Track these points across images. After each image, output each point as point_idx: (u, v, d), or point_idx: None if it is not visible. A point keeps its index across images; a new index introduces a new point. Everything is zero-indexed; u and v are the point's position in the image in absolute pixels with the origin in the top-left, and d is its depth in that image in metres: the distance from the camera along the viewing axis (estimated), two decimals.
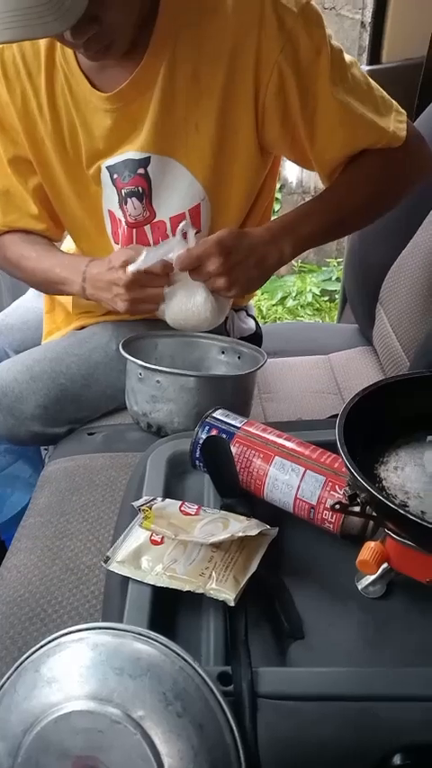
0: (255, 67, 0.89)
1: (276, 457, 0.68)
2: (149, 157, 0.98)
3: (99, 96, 0.95)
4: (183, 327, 0.99)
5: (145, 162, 0.99)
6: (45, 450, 1.22)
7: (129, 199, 1.01)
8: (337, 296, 3.04)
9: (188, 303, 0.94)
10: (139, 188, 1.01)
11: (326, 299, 3.05)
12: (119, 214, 1.04)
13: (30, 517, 0.82)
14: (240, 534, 0.58)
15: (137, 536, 0.64)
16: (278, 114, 0.93)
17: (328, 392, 1.19)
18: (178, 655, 0.51)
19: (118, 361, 1.07)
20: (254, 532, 0.59)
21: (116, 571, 0.61)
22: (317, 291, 2.99)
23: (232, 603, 0.57)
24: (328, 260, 3.25)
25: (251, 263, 0.91)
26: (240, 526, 0.62)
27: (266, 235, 0.95)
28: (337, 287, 3.09)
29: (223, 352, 1.09)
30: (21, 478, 1.30)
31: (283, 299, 2.99)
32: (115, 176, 1.00)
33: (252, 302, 1.33)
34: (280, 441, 0.69)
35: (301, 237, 0.96)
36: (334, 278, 3.15)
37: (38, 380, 1.02)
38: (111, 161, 0.99)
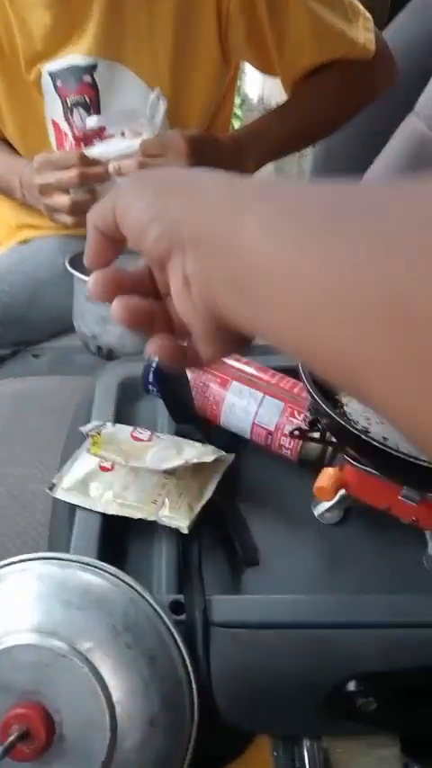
0: None
1: (234, 382, 0.64)
2: (96, 63, 0.89)
3: None
4: None
5: (91, 68, 0.90)
6: None
7: (75, 109, 0.93)
8: None
9: None
10: (86, 97, 0.92)
11: None
12: (64, 126, 0.95)
13: None
14: (195, 461, 0.55)
15: (85, 462, 0.61)
16: (244, 20, 0.86)
17: None
18: (129, 585, 0.48)
19: (66, 280, 1.01)
20: (209, 459, 0.56)
21: (63, 498, 0.58)
22: None
23: (185, 531, 0.55)
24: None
25: (221, 164, 0.84)
26: (195, 452, 0.59)
27: (233, 146, 0.89)
28: None
29: None
30: None
31: None
32: (59, 84, 0.91)
33: None
34: (238, 365, 0.66)
35: (265, 152, 0.92)
36: None
37: None
38: (53, 66, 0.90)
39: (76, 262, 0.92)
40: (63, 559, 0.49)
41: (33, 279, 0.99)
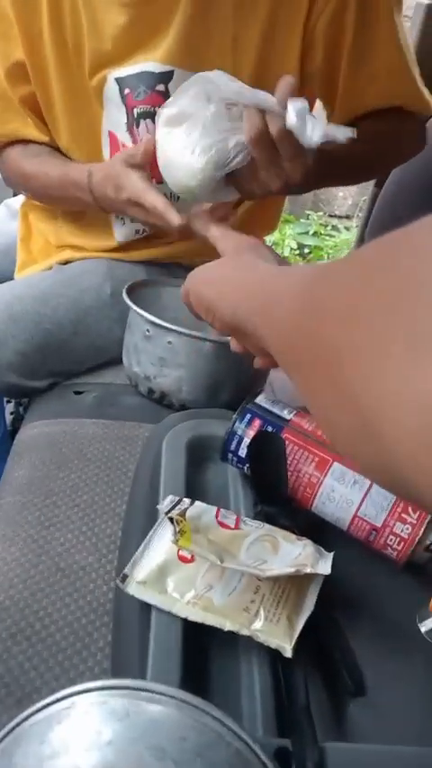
0: None
1: (335, 463, 0.55)
2: (172, 72, 0.81)
3: None
4: (190, 172, 0.71)
5: (166, 77, 0.81)
6: (12, 403, 1.05)
7: (142, 121, 0.84)
8: (307, 251, 2.91)
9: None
10: (156, 108, 0.84)
11: (297, 252, 2.92)
12: (124, 138, 0.87)
13: (7, 495, 0.67)
14: (309, 570, 0.46)
15: (160, 548, 0.51)
16: (325, 44, 0.80)
17: None
18: (234, 732, 0.39)
19: (111, 308, 0.92)
20: (325, 570, 0.47)
21: (136, 595, 0.48)
22: (294, 245, 2.85)
23: (288, 654, 0.45)
24: (307, 212, 3.10)
25: None
26: (297, 552, 0.49)
27: None
28: (314, 242, 2.95)
29: None
30: None
31: None
32: (126, 91, 0.82)
33: None
34: None
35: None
36: (311, 232, 3.01)
37: (18, 322, 0.85)
38: (122, 72, 0.81)
39: (133, 292, 0.83)
40: (150, 691, 0.39)
41: (78, 304, 0.90)
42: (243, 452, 0.58)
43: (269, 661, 0.46)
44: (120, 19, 0.79)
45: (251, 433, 0.58)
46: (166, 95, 0.83)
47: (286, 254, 2.78)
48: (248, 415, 0.59)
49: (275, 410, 0.59)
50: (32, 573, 0.58)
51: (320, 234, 3.01)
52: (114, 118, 0.86)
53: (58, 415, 0.80)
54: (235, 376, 0.80)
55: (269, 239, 2.82)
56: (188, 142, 0.69)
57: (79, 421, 0.79)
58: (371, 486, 0.54)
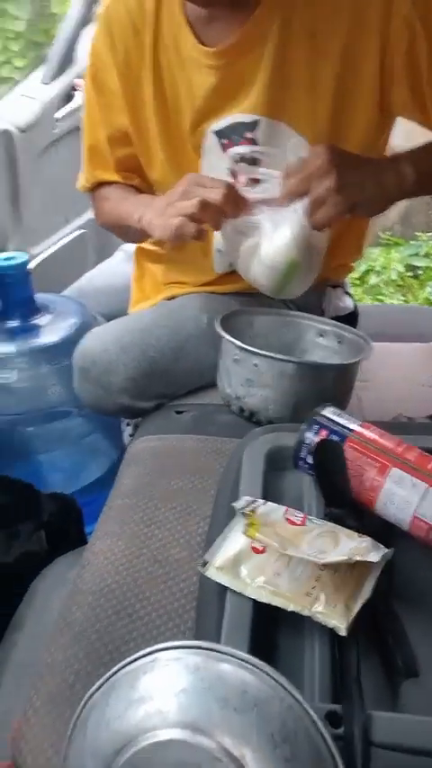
0: (381, 25, 0.81)
1: (394, 468, 0.61)
2: (258, 120, 0.91)
3: (204, 51, 0.87)
4: (268, 277, 0.87)
5: (252, 125, 0.91)
6: (126, 423, 1.18)
7: (239, 164, 0.94)
8: (423, 273, 2.89)
9: (278, 240, 0.82)
10: (250, 151, 0.94)
11: (410, 274, 2.90)
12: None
13: (117, 498, 0.79)
14: (358, 558, 0.52)
15: (236, 541, 0.59)
16: (407, 75, 0.85)
17: (428, 385, 1.10)
18: (287, 690, 0.46)
19: (209, 336, 1.02)
20: (375, 558, 0.53)
21: (214, 578, 0.57)
22: (402, 268, 2.84)
23: (343, 633, 0.52)
24: (417, 233, 3.09)
25: (368, 181, 0.80)
26: (354, 545, 0.56)
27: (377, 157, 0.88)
28: (426, 263, 2.94)
29: (322, 335, 1.02)
30: (98, 448, 1.28)
31: (367, 272, 2.86)
32: (224, 141, 0.93)
33: (348, 279, 1.24)
34: (399, 449, 0.63)
35: (419, 160, 0.85)
36: (422, 253, 2.99)
37: (128, 352, 0.97)
38: (218, 125, 0.92)
39: (225, 322, 0.93)
40: (219, 652, 0.48)
41: (179, 334, 1.01)
42: (311, 460, 0.65)
43: (327, 638, 0.52)
44: (210, 80, 0.90)
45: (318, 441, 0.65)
46: (254, 141, 0.93)
47: (393, 277, 2.78)
48: (316, 426, 0.66)
49: (341, 421, 0.66)
50: (135, 563, 0.68)
51: None
52: (214, 164, 0.97)
53: (162, 431, 0.91)
54: (317, 394, 0.86)
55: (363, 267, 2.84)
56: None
57: (179, 437, 0.89)
58: (428, 489, 0.59)
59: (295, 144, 0.92)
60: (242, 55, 0.86)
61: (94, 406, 1.02)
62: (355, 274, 2.84)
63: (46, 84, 1.57)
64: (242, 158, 0.93)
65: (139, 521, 0.74)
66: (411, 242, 3.07)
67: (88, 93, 1.01)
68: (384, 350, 1.17)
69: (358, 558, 0.52)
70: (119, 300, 1.26)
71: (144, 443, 0.89)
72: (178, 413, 0.96)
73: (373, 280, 2.82)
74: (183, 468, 0.83)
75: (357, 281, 2.84)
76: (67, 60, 1.59)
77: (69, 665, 0.58)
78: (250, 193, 0.87)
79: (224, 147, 0.94)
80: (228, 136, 0.94)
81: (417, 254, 2.98)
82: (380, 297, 2.76)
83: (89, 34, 1.49)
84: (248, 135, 0.93)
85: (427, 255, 2.98)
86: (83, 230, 1.80)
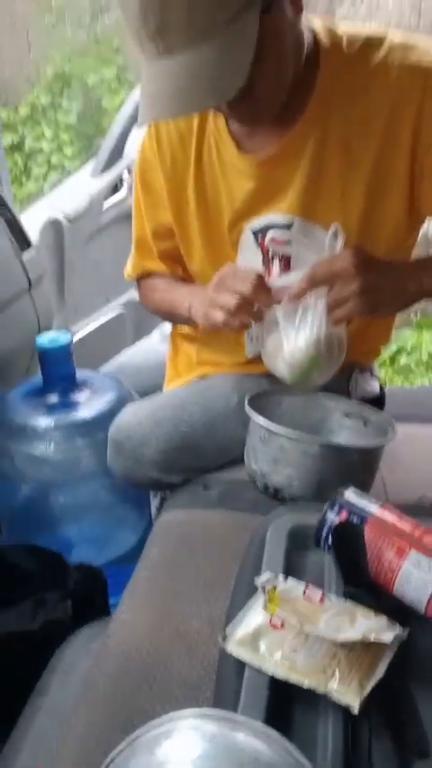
0: (413, 140, 0.88)
1: (412, 551, 0.63)
2: (293, 222, 0.98)
3: (246, 161, 0.96)
4: (290, 370, 0.93)
5: (287, 226, 0.98)
6: (153, 495, 1.22)
7: (275, 258, 1.01)
8: None
9: (298, 338, 0.90)
10: (283, 249, 1.01)
11: None
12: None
13: (143, 570, 0.82)
14: (373, 637, 0.54)
15: (256, 616, 0.62)
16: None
17: None
18: (299, 761, 0.47)
19: (237, 414, 1.06)
20: (388, 638, 0.55)
21: (233, 652, 0.59)
22: None
23: (356, 712, 0.53)
24: None
25: (389, 287, 0.86)
26: (370, 625, 0.58)
27: (402, 262, 0.93)
28: None
29: (348, 416, 1.05)
30: (128, 521, 1.31)
31: (398, 352, 2.90)
32: (260, 238, 1.00)
33: (376, 362, 1.29)
34: (417, 532, 0.65)
35: (422, 284, 0.91)
36: None
37: (161, 426, 1.02)
38: (255, 224, 1.00)
39: (254, 401, 0.98)
40: (235, 721, 0.49)
41: (210, 411, 1.05)
42: (332, 540, 0.67)
43: (341, 714, 0.54)
44: (250, 184, 0.98)
45: (340, 521, 0.68)
46: (286, 241, 1.01)
47: (424, 357, 2.82)
48: (337, 506, 0.69)
49: (361, 503, 0.69)
50: (158, 635, 0.70)
51: None
52: (249, 259, 1.04)
53: (189, 505, 0.95)
54: (340, 474, 0.89)
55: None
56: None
57: (205, 512, 0.92)
58: None
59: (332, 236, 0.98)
60: (280, 165, 0.95)
61: (126, 478, 1.06)
62: (386, 354, 2.89)
63: (95, 177, 1.70)
64: (275, 241, 1.00)
65: (164, 593, 0.76)
66: None
67: (136, 190, 1.11)
68: (410, 432, 1.20)
69: (373, 638, 0.54)
70: (154, 377, 1.33)
71: (171, 517, 0.93)
72: (206, 488, 1.00)
73: (403, 360, 2.85)
74: (208, 543, 0.85)
75: (388, 361, 2.88)
76: (116, 155, 1.73)
77: (92, 731, 0.60)
78: (280, 281, 0.94)
79: (259, 244, 1.01)
80: (263, 233, 1.01)
81: None
82: (411, 377, 2.79)
83: (137, 132, 1.63)
84: (282, 234, 1.00)
85: None
86: (122, 310, 1.90)
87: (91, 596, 1.08)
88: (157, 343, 1.43)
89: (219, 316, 0.91)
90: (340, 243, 0.90)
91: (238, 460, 1.03)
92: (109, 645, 0.70)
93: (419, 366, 2.83)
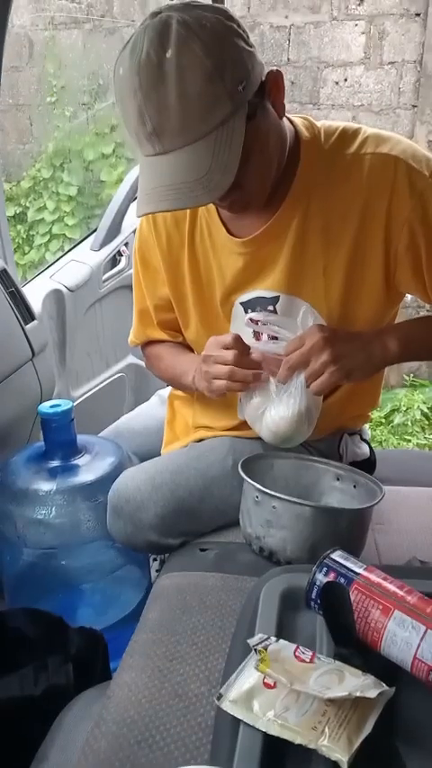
0: (386, 225, 0.96)
1: (396, 611, 0.67)
2: (278, 296, 1.05)
3: (235, 242, 1.03)
4: (273, 436, 1.02)
5: (274, 300, 1.06)
6: (153, 558, 1.25)
7: (263, 328, 1.08)
8: None
9: (281, 410, 0.98)
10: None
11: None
12: (249, 343, 1.11)
13: (142, 632, 0.84)
14: (358, 694, 0.58)
15: (249, 676, 0.65)
16: (410, 265, 0.99)
17: None
18: None
19: (232, 477, 1.10)
20: (372, 695, 0.58)
21: (228, 711, 0.62)
22: (425, 409, 2.94)
23: (345, 767, 0.56)
24: None
25: (356, 351, 0.96)
26: (357, 683, 0.61)
27: (369, 329, 1.01)
28: None
29: (338, 479, 1.10)
30: (129, 583, 1.33)
31: (392, 412, 2.96)
32: (249, 311, 1.07)
33: (366, 426, 1.34)
34: (401, 593, 0.69)
35: (408, 338, 1.01)
36: None
37: (159, 491, 1.06)
38: (244, 297, 1.07)
39: (247, 465, 1.02)
40: None
41: (205, 475, 1.10)
42: (321, 600, 0.71)
43: None
44: (239, 263, 1.06)
45: None
46: (275, 312, 1.07)
47: (417, 416, 2.87)
48: (325, 568, 0.73)
49: (348, 564, 0.73)
50: (156, 696, 0.73)
51: None
52: (240, 329, 1.11)
53: (186, 568, 0.98)
54: (332, 536, 0.93)
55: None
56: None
57: (202, 574, 0.96)
58: (426, 632, 0.65)
59: (306, 312, 1.06)
60: (266, 244, 1.02)
61: (125, 542, 1.09)
62: (381, 413, 2.95)
63: (95, 250, 1.79)
64: (256, 322, 1.08)
65: (162, 655, 0.79)
66: None
67: (136, 267, 1.20)
68: (400, 494, 1.24)
69: (359, 695, 0.58)
70: (153, 441, 1.37)
71: (169, 580, 0.96)
72: (202, 550, 1.03)
73: (397, 419, 2.91)
74: (205, 605, 0.88)
75: (383, 420, 2.93)
76: (114, 231, 1.83)
77: None
78: (262, 347, 1.02)
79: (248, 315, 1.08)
80: (252, 307, 1.08)
81: None
82: (406, 436, 2.84)
83: (134, 210, 1.73)
84: (270, 308, 1.07)
85: None
86: (121, 374, 1.97)
87: (92, 660, 1.10)
88: (155, 407, 1.48)
89: (221, 384, 1.00)
90: (311, 320, 0.99)
91: (235, 522, 1.06)
92: (108, 707, 0.72)
93: (414, 425, 2.89)
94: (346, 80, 3.03)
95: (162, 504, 1.05)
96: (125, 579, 1.39)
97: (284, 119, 0.96)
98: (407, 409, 2.93)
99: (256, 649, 0.64)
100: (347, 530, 0.96)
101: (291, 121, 0.99)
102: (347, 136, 0.97)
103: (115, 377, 1.95)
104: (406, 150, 0.95)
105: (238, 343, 0.99)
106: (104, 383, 1.90)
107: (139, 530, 1.06)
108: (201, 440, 1.22)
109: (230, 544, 1.05)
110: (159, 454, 1.29)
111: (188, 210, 1.06)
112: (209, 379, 1.02)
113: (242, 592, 0.91)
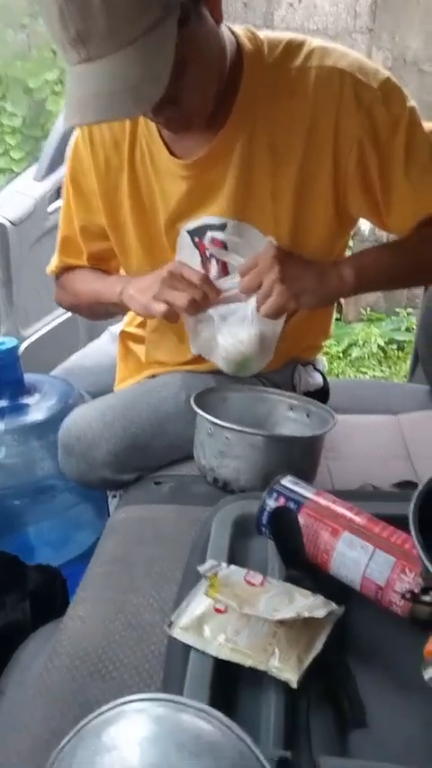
0: (334, 142, 0.92)
1: (345, 532, 0.67)
2: (226, 223, 1.01)
3: (177, 164, 0.98)
4: (227, 365, 1.00)
5: (222, 227, 1.02)
6: (112, 495, 1.24)
7: (211, 259, 1.04)
8: (406, 345, 3.00)
9: (233, 336, 0.96)
10: (220, 251, 1.04)
11: (394, 346, 3.01)
12: None
13: (96, 566, 0.84)
14: (306, 614, 0.58)
15: (200, 602, 0.64)
16: (359, 185, 0.95)
17: (396, 456, 1.17)
18: (239, 737, 0.50)
19: (187, 413, 1.09)
20: (321, 614, 0.58)
21: (179, 638, 0.62)
22: (382, 342, 2.95)
23: (294, 686, 0.56)
24: (397, 309, 3.22)
25: (309, 276, 0.93)
26: (306, 603, 0.61)
27: (320, 259, 0.98)
28: (407, 337, 3.05)
29: (292, 409, 1.09)
30: (84, 520, 1.33)
31: (350, 346, 2.97)
32: (196, 239, 1.03)
33: (320, 356, 1.33)
34: (350, 515, 0.69)
35: (364, 268, 0.97)
36: (403, 328, 3.11)
37: (110, 428, 1.04)
38: (190, 225, 1.02)
39: (200, 399, 1.00)
40: (179, 703, 0.52)
41: (158, 411, 1.08)
42: (270, 525, 0.71)
43: (282, 690, 0.57)
44: (182, 187, 1.01)
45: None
46: (223, 242, 1.04)
47: (374, 350, 2.89)
48: (275, 494, 0.72)
49: (298, 489, 0.72)
50: (110, 627, 0.73)
51: (412, 329, 3.10)
52: (187, 259, 1.07)
53: (141, 501, 0.97)
54: (285, 464, 0.93)
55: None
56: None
57: (157, 506, 0.95)
58: (374, 552, 0.65)
59: (260, 241, 1.02)
60: (211, 166, 0.97)
61: (78, 480, 1.08)
62: (338, 349, 2.96)
63: (38, 181, 1.70)
64: (215, 242, 1.04)
65: (116, 587, 0.79)
66: (393, 317, 3.20)
67: (66, 190, 1.12)
68: (351, 422, 1.25)
69: (307, 615, 0.58)
70: (106, 379, 1.34)
71: (124, 513, 0.95)
72: (157, 483, 1.03)
73: (355, 353, 2.92)
74: (160, 537, 0.88)
75: (341, 355, 2.94)
76: (58, 159, 1.73)
77: (46, 724, 0.62)
78: (221, 283, 0.98)
79: (197, 245, 1.04)
80: (199, 235, 1.04)
81: (398, 329, 3.11)
82: (363, 369, 2.86)
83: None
84: (218, 236, 1.03)
85: (408, 330, 3.10)
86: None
87: (50, 596, 1.10)
88: (106, 344, 1.44)
89: (161, 308, 0.96)
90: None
91: (190, 456, 1.05)
92: (62, 640, 0.72)
93: (371, 358, 2.91)
94: (300, 1, 2.90)
95: (114, 442, 1.03)
96: (82, 516, 1.39)
97: (226, 30, 0.90)
98: (364, 343, 2.95)
99: (205, 575, 0.64)
100: (300, 458, 0.96)
101: (232, 32, 0.92)
102: (292, 48, 0.92)
103: (66, 316, 1.89)
104: (353, 63, 0.90)
105: (208, 280, 0.96)
106: (56, 321, 1.85)
107: (92, 468, 1.04)
108: (154, 376, 1.20)
109: (185, 477, 1.04)
110: (112, 392, 1.26)
111: (128, 131, 1.00)
112: (157, 300, 0.96)
113: (197, 522, 0.90)
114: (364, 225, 2.77)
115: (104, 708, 0.53)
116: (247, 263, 0.93)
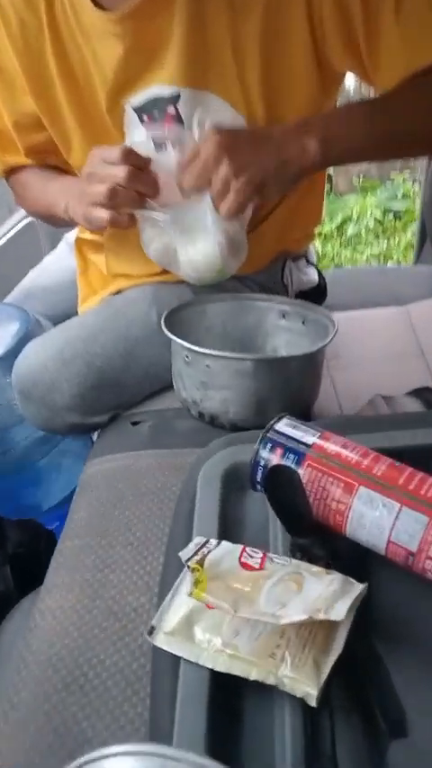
0: None
1: (361, 487, 0.53)
2: (179, 93, 0.80)
3: (107, 18, 0.76)
4: (194, 278, 0.83)
5: (174, 99, 0.81)
6: None
7: (165, 143, 0.83)
8: (403, 215, 2.76)
9: (194, 246, 0.78)
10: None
11: (391, 216, 2.78)
12: None
13: (67, 539, 0.71)
14: (321, 617, 0.44)
15: (186, 597, 0.51)
16: (339, 30, 0.74)
17: (408, 354, 1.01)
18: None
19: (160, 334, 0.92)
20: (339, 616, 0.45)
21: (164, 647, 0.49)
22: (378, 214, 2.72)
23: (313, 703, 0.44)
24: (392, 174, 2.95)
25: (265, 158, 0.71)
26: (319, 590, 0.47)
27: (281, 126, 0.76)
28: (404, 205, 2.81)
29: (284, 317, 0.92)
30: (72, 453, 1.20)
31: (344, 222, 2.74)
32: (145, 117, 0.82)
33: (312, 247, 1.14)
34: (366, 462, 0.54)
35: (333, 137, 0.75)
36: (400, 195, 2.86)
37: (70, 366, 0.88)
38: (136, 100, 0.81)
39: (173, 317, 0.84)
40: (169, 757, 0.40)
41: (127, 337, 0.91)
42: (267, 485, 0.56)
43: (298, 708, 0.45)
44: (118, 48, 0.79)
45: (275, 460, 0.57)
46: (178, 118, 0.83)
47: (371, 225, 2.67)
48: (270, 444, 0.57)
49: (297, 435, 0.57)
50: (87, 619, 0.60)
51: (410, 195, 2.85)
52: (141, 145, 0.86)
53: (116, 449, 0.83)
54: (280, 389, 0.78)
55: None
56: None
57: (135, 454, 0.81)
58: (401, 510, 0.51)
59: (226, 114, 0.81)
60: (150, 17, 0.75)
61: (43, 428, 0.93)
62: (331, 226, 2.72)
63: None
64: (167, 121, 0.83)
65: (91, 565, 0.66)
66: (386, 184, 2.94)
67: None
68: (355, 320, 1.08)
69: (321, 617, 0.44)
70: (68, 297, 1.17)
71: (97, 467, 0.81)
72: (134, 424, 0.88)
73: (350, 230, 2.70)
74: (140, 493, 0.74)
75: (335, 233, 2.72)
76: None
77: (13, 758, 0.51)
78: (159, 159, 0.78)
79: (145, 125, 0.83)
80: (149, 111, 0.83)
81: (394, 197, 2.86)
82: (360, 248, 2.65)
83: None
84: (171, 110, 0.82)
85: (405, 196, 2.85)
86: (30, 219, 1.69)
87: (35, 556, 0.99)
88: (65, 257, 1.25)
89: (102, 213, 0.76)
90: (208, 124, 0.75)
91: (170, 387, 0.90)
92: (31, 643, 0.60)
93: (368, 234, 2.69)
94: None
95: (78, 382, 0.88)
96: (67, 452, 1.26)
97: None
98: (359, 217, 2.71)
99: (189, 566, 0.50)
100: (298, 379, 0.80)
101: None
102: None
103: (23, 223, 1.67)
104: None
105: (129, 156, 0.75)
106: (10, 233, 1.64)
107: (56, 413, 0.89)
108: (120, 291, 1.02)
109: (167, 411, 0.89)
110: (77, 313, 1.09)
111: None
112: (87, 206, 0.77)
113: (182, 469, 0.76)
114: (349, 80, 2.46)
115: (80, 761, 0.41)
116: (187, 156, 0.73)
